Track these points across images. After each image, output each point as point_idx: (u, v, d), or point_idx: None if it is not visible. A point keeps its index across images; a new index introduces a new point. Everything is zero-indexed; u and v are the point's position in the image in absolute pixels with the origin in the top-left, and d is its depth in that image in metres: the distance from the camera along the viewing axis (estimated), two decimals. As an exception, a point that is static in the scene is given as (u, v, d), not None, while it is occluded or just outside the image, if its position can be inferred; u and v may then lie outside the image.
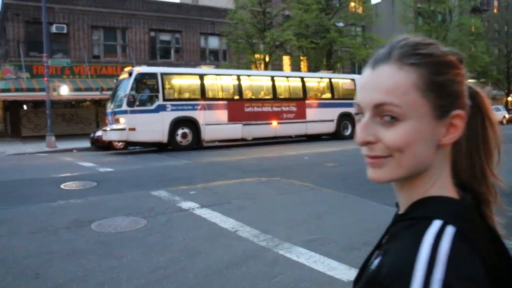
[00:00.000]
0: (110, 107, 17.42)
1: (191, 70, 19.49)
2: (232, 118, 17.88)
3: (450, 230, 0.74)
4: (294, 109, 19.68)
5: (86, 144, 21.53)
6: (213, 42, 35.14)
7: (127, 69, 17.32)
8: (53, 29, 28.17)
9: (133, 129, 15.85)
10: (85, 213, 7.16)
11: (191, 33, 33.89)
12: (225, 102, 17.91)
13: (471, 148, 0.86)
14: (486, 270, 0.72)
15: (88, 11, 30.41)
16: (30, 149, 21.33)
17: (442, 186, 0.83)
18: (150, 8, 32.60)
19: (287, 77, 21.07)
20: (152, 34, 32.75)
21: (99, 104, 30.07)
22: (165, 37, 33.50)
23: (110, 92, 19.31)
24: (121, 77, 17.35)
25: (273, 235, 5.64)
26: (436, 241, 0.72)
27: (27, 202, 8.16)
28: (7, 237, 6.03)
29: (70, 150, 20.45)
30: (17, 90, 25.93)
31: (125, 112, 15.96)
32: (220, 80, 18.39)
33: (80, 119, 30.53)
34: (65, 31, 29.38)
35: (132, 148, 19.45)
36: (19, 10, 28.55)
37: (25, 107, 29.24)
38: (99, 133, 19.61)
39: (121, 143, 18.78)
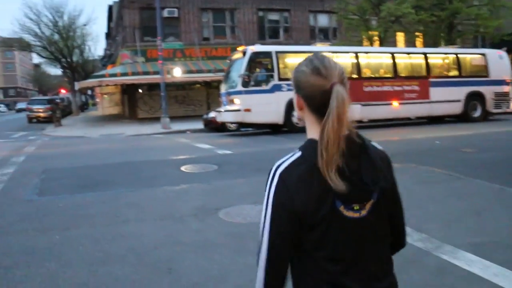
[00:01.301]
0: (224, 88, 17.16)
1: (307, 47, 18.62)
2: (351, 98, 16.84)
3: (297, 154, 1.44)
4: (416, 88, 18.11)
5: (199, 125, 21.69)
6: (323, 20, 33.94)
7: (240, 48, 16.92)
8: (165, 13, 28.68)
9: (248, 110, 15.41)
10: (210, 199, 6.74)
11: (299, 11, 32.98)
12: (342, 81, 16.88)
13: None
14: (318, 176, 1.37)
15: (198, -7, 30.69)
16: (147, 130, 21.94)
17: (313, 134, 1.46)
18: (258, -12, 32.18)
19: (409, 53, 19.45)
20: (261, 14, 32.30)
21: (210, 86, 30.29)
22: (274, 16, 32.90)
23: (222, 74, 19.08)
24: (235, 56, 16.98)
25: (429, 234, 4.78)
26: (289, 157, 1.44)
27: (151, 185, 7.97)
28: (135, 222, 5.75)
29: (184, 132, 20.70)
30: (133, 74, 26.86)
31: (239, 92, 15.57)
32: (337, 58, 17.37)
33: (191, 101, 31.04)
34: (176, 15, 29.85)
35: (244, 129, 19.18)
36: (135, -3, 29.50)
37: (140, 90, 30.32)
38: (212, 114, 19.55)
39: (234, 124, 18.53)
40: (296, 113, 1.55)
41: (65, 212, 6.36)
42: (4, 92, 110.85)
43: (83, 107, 58.45)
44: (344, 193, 1.35)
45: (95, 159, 11.76)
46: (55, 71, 74.12)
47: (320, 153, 1.35)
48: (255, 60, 15.91)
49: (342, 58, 17.59)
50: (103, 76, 27.98)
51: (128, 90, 30.44)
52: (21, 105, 68.82)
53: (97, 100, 55.54)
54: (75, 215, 6.21)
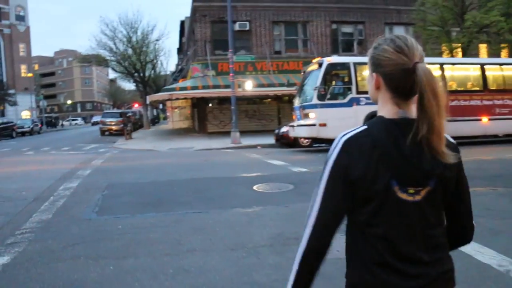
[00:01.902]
0: (297, 102, 16.18)
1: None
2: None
3: (363, 127, 1.45)
4: (510, 102, 16.32)
5: (269, 140, 20.87)
6: (399, 32, 31.59)
7: (316, 59, 15.93)
8: (236, 27, 28.33)
9: (324, 125, 14.32)
10: (288, 225, 5.78)
11: (375, 24, 31.59)
12: (426, 94, 15.35)
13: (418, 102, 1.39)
14: (379, 152, 1.39)
15: (269, 6, 30.07)
16: (216, 144, 21.36)
17: (383, 111, 1.47)
18: (331, 0, 31.14)
19: (501, 64, 17.61)
20: (334, 26, 31.22)
21: (281, 100, 29.52)
22: (347, 29, 31.72)
23: (294, 87, 18.11)
24: (310, 68, 15.99)
25: None
26: (355, 129, 1.45)
27: (219, 206, 7.12)
28: (202, 252, 4.88)
29: (254, 146, 19.91)
30: (204, 87, 26.57)
31: (315, 106, 14.53)
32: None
33: (262, 115, 30.27)
34: (247, 28, 29.43)
35: (317, 145, 18.12)
36: (206, 11, 29.34)
37: (210, 104, 29.99)
38: (284, 129, 18.64)
39: (307, 140, 17.52)
40: (369, 89, 1.56)
41: (123, 236, 5.61)
42: (82, 106, 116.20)
43: (155, 120, 59.61)
44: (401, 174, 1.39)
45: (161, 174, 11.14)
46: (129, 85, 76.50)
47: (428, 127, 1.36)
48: (332, 72, 14.82)
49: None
50: (173, 89, 27.88)
51: (198, 104, 30.20)
52: (96, 118, 71.40)
53: (168, 114, 56.42)
54: (134, 240, 5.43)
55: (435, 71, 16.10)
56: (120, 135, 32.06)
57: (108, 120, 36.66)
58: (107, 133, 35.99)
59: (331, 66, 14.70)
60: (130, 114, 44.74)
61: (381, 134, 1.40)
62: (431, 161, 1.38)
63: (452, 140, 1.50)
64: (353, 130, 1.44)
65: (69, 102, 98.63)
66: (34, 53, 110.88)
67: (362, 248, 1.44)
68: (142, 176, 10.70)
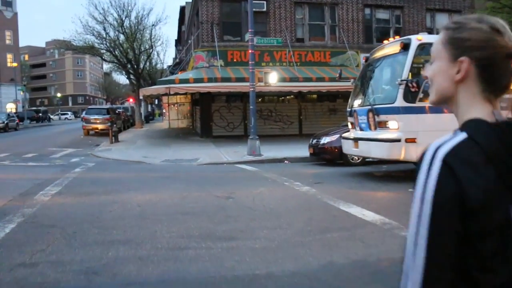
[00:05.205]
0: (359, 102, 10.77)
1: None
2: None
3: (462, 136, 1.03)
4: None
5: (296, 151, 15.77)
6: (442, 21, 27.11)
7: (392, 39, 10.68)
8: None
9: (413, 141, 8.96)
10: None
11: (415, 10, 26.35)
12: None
13: None
14: (495, 168, 0.98)
15: (291, -16, 24.81)
16: (228, 155, 16.05)
17: (474, 113, 1.07)
18: (364, -20, 25.93)
19: None
20: (367, 11, 25.94)
21: (303, 98, 24.27)
22: (383, 15, 26.36)
23: (351, 82, 12.65)
24: (382, 52, 10.52)
25: None
26: (450, 139, 1.03)
27: None
28: None
29: (281, 161, 14.67)
30: (210, 80, 21.13)
31: (397, 110, 9.15)
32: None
33: (279, 117, 24.55)
34: (264, 9, 24.02)
35: (369, 160, 12.95)
36: (214, -12, 23.98)
37: (218, 101, 24.44)
38: (326, 140, 13.32)
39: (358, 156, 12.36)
40: (440, 84, 1.15)
41: None
42: (73, 99, 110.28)
43: (149, 117, 53.96)
44: None
45: (145, 259, 5.47)
46: (124, 79, 70.80)
47: None
48: (423, 59, 9.44)
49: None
50: (172, 81, 22.26)
51: (202, 101, 24.56)
52: (85, 113, 65.66)
53: (164, 110, 50.88)
54: None
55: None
56: (106, 135, 26.43)
57: (92, 117, 30.43)
58: (92, 132, 30.37)
59: (422, 47, 9.32)
60: (120, 110, 39.31)
61: (491, 143, 1.01)
62: None
63: None
64: (449, 141, 1.03)
65: (59, 95, 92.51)
66: (25, 43, 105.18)
67: None
68: (102, 268, 4.88)
